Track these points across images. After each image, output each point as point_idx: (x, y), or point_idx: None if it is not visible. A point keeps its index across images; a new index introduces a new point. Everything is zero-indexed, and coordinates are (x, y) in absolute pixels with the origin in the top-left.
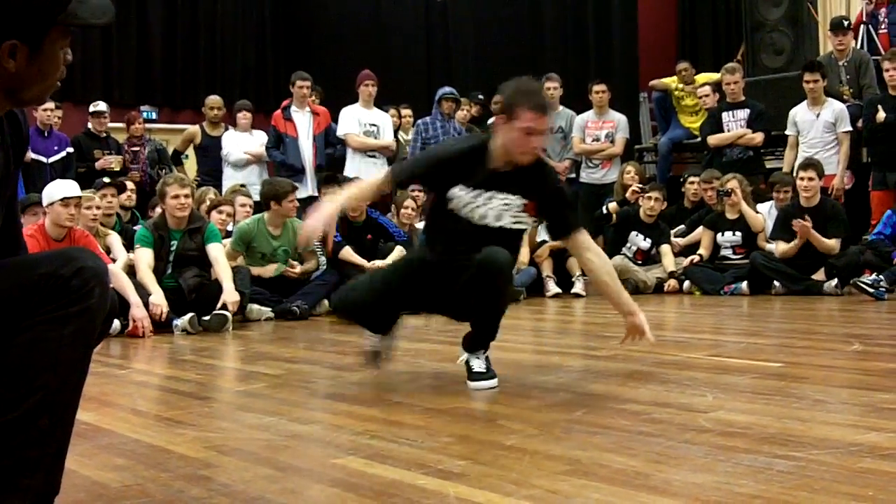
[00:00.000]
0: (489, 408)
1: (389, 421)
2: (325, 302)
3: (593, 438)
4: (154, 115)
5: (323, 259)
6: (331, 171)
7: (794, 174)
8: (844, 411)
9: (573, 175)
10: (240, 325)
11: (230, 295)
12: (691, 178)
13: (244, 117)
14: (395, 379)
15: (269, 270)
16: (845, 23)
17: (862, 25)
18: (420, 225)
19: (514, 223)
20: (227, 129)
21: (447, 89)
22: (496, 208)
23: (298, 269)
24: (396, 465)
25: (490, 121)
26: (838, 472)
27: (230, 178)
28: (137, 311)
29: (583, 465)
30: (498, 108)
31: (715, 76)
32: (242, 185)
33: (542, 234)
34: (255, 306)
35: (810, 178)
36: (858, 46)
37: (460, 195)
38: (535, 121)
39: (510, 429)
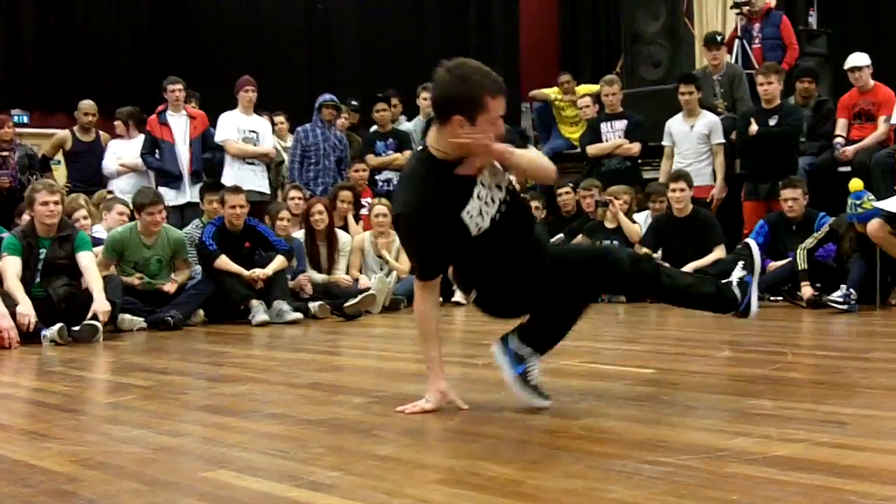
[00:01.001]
0: (364, 418)
1: (261, 433)
2: (200, 311)
3: (467, 447)
4: (25, 119)
5: (197, 268)
6: (209, 178)
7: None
8: (713, 417)
9: None
10: (111, 336)
11: (101, 304)
12: (564, 188)
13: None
14: (270, 389)
15: (134, 281)
16: (718, 38)
17: (736, 40)
18: (298, 234)
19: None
20: (97, 134)
21: (327, 96)
22: (492, 204)
23: (173, 287)
24: (268, 477)
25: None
26: (705, 477)
27: (113, 187)
28: (3, 321)
29: (455, 474)
30: (452, 106)
31: (595, 88)
32: (110, 192)
33: None
34: (127, 316)
35: (681, 189)
36: (733, 60)
37: (472, 215)
38: (502, 105)
39: (384, 438)
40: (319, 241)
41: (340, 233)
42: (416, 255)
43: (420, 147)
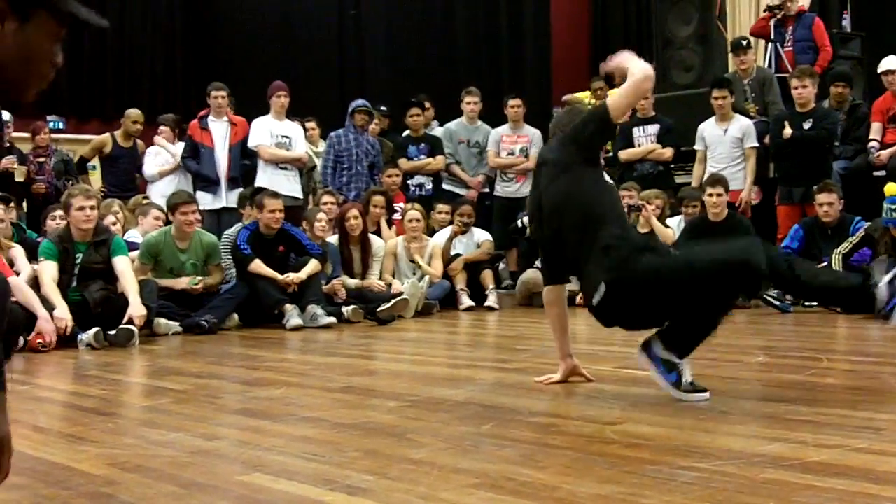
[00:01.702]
0: (398, 422)
1: (296, 436)
2: (235, 316)
3: (501, 451)
4: (61, 125)
5: (232, 272)
6: (248, 186)
7: (702, 189)
8: (748, 422)
9: (487, 189)
10: (146, 340)
11: (136, 309)
12: None
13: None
14: (304, 393)
15: (181, 283)
16: (744, 42)
17: (769, 43)
18: (332, 239)
19: None
20: (134, 141)
21: (360, 102)
22: None
23: (201, 285)
24: (303, 480)
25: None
26: (741, 483)
27: (152, 190)
28: (46, 324)
29: (490, 479)
30: None
31: None
32: (146, 198)
33: (457, 248)
34: (163, 320)
35: (718, 194)
36: (765, 64)
37: None
38: None
39: (419, 442)
40: (353, 246)
41: (374, 238)
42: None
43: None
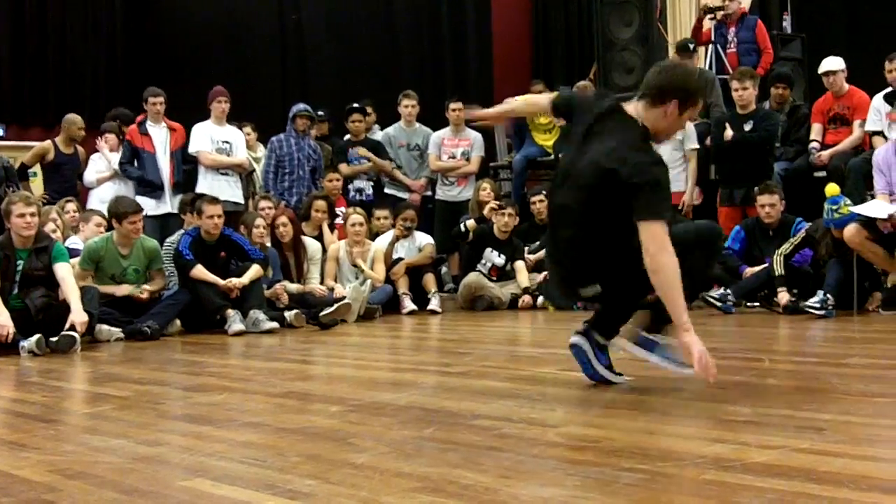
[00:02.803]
0: (340, 426)
1: (238, 441)
2: (177, 322)
3: (444, 455)
4: (1, 133)
5: (175, 279)
6: (189, 191)
7: None
8: (690, 423)
9: (429, 192)
10: (88, 347)
11: (78, 315)
12: (538, 196)
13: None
14: (246, 398)
15: (123, 289)
16: (690, 45)
17: (710, 45)
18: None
19: None
20: (75, 148)
21: (301, 106)
22: None
23: (146, 294)
24: (245, 485)
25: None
26: (683, 484)
27: (92, 196)
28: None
29: (432, 482)
30: (677, 92)
31: None
32: (69, 200)
33: (399, 252)
34: (105, 327)
35: None
36: (707, 66)
37: None
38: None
39: (361, 447)
40: (287, 252)
41: (308, 241)
42: (667, 200)
43: (618, 112)
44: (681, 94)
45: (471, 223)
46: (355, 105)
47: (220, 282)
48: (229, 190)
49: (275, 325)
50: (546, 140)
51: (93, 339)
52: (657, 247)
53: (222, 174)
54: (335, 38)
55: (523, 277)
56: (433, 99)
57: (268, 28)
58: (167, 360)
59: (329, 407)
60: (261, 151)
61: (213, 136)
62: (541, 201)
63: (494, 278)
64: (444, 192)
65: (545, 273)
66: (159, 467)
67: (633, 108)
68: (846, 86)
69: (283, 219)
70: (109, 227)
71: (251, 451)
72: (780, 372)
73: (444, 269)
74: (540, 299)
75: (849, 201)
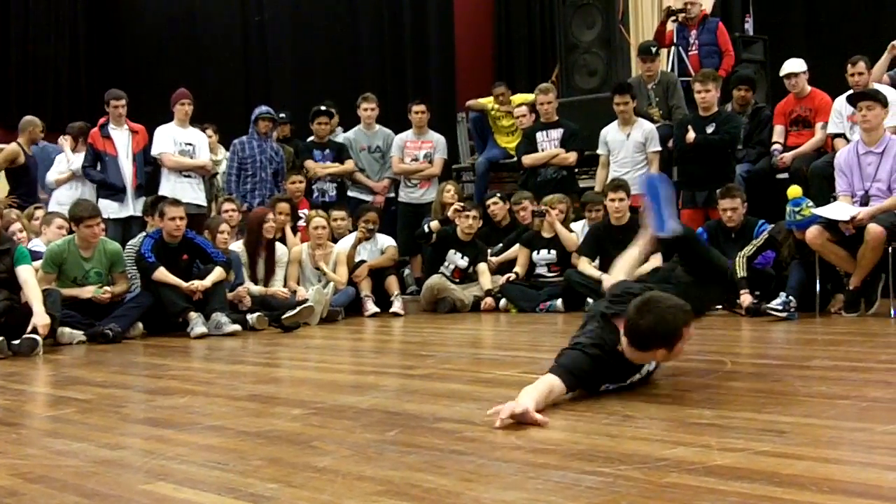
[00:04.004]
0: (302, 430)
1: (201, 445)
2: (139, 324)
3: (406, 458)
4: None
5: (136, 282)
6: (150, 191)
7: (605, 194)
8: (652, 426)
9: (392, 194)
10: (50, 349)
11: (40, 318)
12: (492, 199)
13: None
14: (208, 402)
15: (86, 292)
16: (653, 49)
17: (672, 47)
18: (234, 246)
19: None
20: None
21: (264, 108)
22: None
23: (108, 296)
24: (207, 489)
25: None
26: (645, 487)
27: (53, 199)
28: None
29: (395, 486)
30: (658, 342)
31: (531, 97)
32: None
33: (362, 254)
34: (67, 329)
35: (620, 199)
36: (668, 68)
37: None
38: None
39: (323, 450)
40: (261, 252)
41: (278, 244)
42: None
43: (609, 333)
44: (667, 344)
45: (434, 225)
46: (321, 107)
47: (183, 284)
48: (192, 192)
49: (237, 327)
50: (509, 143)
51: (55, 341)
52: None
53: (185, 176)
54: (298, 41)
55: (486, 280)
56: (396, 101)
57: (230, 31)
58: (129, 363)
59: (291, 410)
60: (223, 154)
61: (175, 139)
62: (495, 204)
63: (457, 280)
64: (406, 195)
65: (507, 276)
66: (121, 471)
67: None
68: (808, 88)
69: (272, 215)
70: (71, 230)
71: (213, 455)
72: (742, 374)
73: (406, 272)
74: (503, 301)
75: (811, 203)
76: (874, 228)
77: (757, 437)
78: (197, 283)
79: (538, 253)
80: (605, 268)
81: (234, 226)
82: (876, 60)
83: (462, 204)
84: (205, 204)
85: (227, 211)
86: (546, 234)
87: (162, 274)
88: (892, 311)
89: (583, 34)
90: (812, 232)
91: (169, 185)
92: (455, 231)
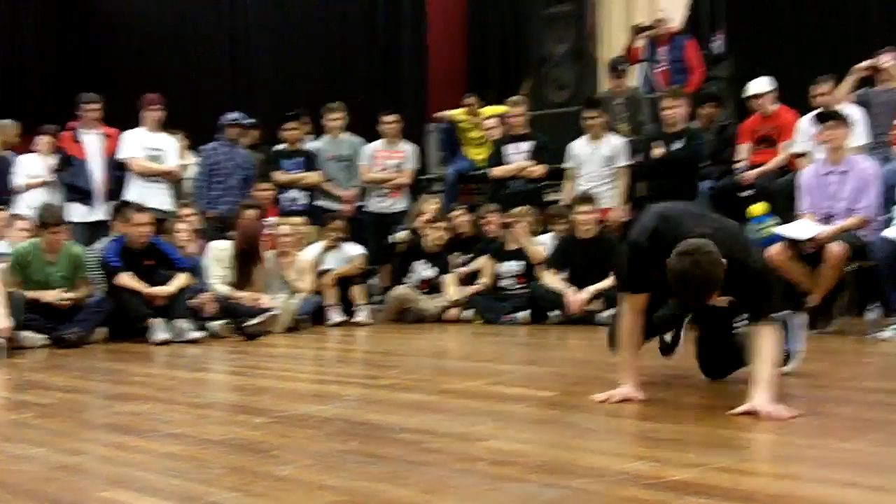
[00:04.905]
0: (264, 438)
1: (161, 452)
2: (101, 329)
3: (367, 468)
4: None
5: (100, 286)
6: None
7: (571, 207)
8: (613, 440)
9: (361, 203)
10: (11, 353)
11: (1, 321)
12: (457, 212)
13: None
14: (169, 408)
15: (49, 295)
16: (622, 65)
17: (641, 63)
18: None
19: None
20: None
21: (233, 115)
22: None
23: (69, 301)
24: (167, 497)
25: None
26: (604, 500)
27: (21, 202)
28: None
29: (355, 496)
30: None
31: (501, 109)
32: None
33: (329, 263)
34: (28, 333)
35: (587, 212)
36: (637, 84)
37: None
38: None
39: (284, 459)
40: (257, 263)
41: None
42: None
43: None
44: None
45: (402, 235)
46: (291, 113)
47: (146, 289)
48: (159, 197)
49: (200, 334)
50: (478, 154)
51: (16, 345)
52: None
53: (153, 181)
54: (270, 48)
55: (452, 290)
56: (368, 111)
57: (203, 37)
58: (90, 368)
59: (253, 418)
60: (191, 159)
61: (144, 143)
62: (460, 216)
63: (424, 291)
64: (375, 204)
65: (474, 286)
66: (80, 477)
67: None
68: (774, 106)
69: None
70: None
71: (173, 463)
72: (702, 390)
73: (373, 281)
74: (468, 312)
75: (773, 221)
76: (835, 247)
77: (715, 453)
78: (160, 289)
79: (504, 265)
80: (573, 280)
81: (196, 230)
82: (842, 80)
83: (431, 215)
84: (172, 209)
85: (186, 215)
86: (512, 247)
87: (125, 279)
88: (850, 329)
89: (554, 48)
90: (775, 249)
91: (136, 190)
92: (423, 242)
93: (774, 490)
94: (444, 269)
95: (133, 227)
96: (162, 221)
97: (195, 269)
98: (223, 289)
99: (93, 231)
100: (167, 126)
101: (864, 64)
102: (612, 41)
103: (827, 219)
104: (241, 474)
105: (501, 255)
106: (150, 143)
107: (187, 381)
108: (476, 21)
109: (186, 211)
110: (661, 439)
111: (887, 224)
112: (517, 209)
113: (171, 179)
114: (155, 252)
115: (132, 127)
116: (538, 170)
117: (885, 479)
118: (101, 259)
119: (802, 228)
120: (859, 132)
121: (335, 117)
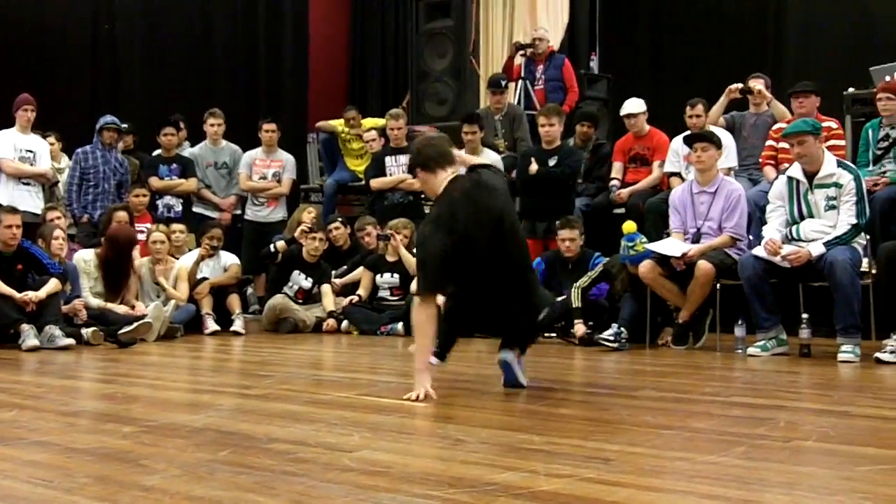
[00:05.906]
0: (132, 447)
1: (25, 461)
2: None
3: (236, 478)
4: None
5: None
6: None
7: None
8: (483, 450)
9: (238, 211)
10: None
11: None
12: (334, 224)
13: None
14: (37, 416)
15: None
16: (503, 83)
17: (519, 81)
18: (86, 255)
19: None
20: None
21: (109, 118)
22: None
23: None
24: None
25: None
26: None
27: None
28: None
29: None
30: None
31: (381, 121)
32: None
33: (204, 271)
34: None
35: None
36: (515, 101)
37: None
38: None
39: (152, 469)
40: (130, 273)
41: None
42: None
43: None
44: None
45: (280, 245)
46: (169, 119)
47: (16, 295)
48: (30, 200)
49: (71, 341)
50: (358, 165)
51: None
52: None
53: (24, 184)
54: (148, 52)
55: (329, 301)
56: (247, 118)
57: (79, 37)
58: None
59: (122, 427)
60: (65, 162)
61: (16, 144)
62: (337, 228)
63: (301, 301)
64: (253, 213)
65: (350, 298)
66: None
67: None
68: (647, 127)
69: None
70: None
71: (38, 471)
72: (572, 402)
73: (249, 290)
74: (344, 323)
75: (644, 239)
76: (704, 265)
77: (583, 464)
78: (30, 295)
79: (382, 276)
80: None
81: (67, 236)
82: (714, 103)
83: (309, 226)
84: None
85: (52, 219)
86: (390, 258)
87: None
88: (718, 345)
89: (434, 63)
90: (644, 266)
91: (7, 192)
92: (300, 252)
93: (639, 501)
94: (322, 280)
95: (3, 230)
96: (34, 226)
97: (66, 275)
98: (94, 301)
99: None
100: (38, 128)
101: (736, 86)
102: (493, 58)
103: (696, 237)
104: (107, 484)
105: (379, 266)
106: (21, 145)
107: (56, 389)
108: (358, 33)
109: (52, 214)
110: (531, 450)
111: (751, 245)
112: (395, 221)
113: (44, 182)
114: (26, 256)
115: (3, 127)
116: (416, 182)
117: (748, 492)
118: None
119: (672, 246)
120: (727, 155)
121: (216, 123)
